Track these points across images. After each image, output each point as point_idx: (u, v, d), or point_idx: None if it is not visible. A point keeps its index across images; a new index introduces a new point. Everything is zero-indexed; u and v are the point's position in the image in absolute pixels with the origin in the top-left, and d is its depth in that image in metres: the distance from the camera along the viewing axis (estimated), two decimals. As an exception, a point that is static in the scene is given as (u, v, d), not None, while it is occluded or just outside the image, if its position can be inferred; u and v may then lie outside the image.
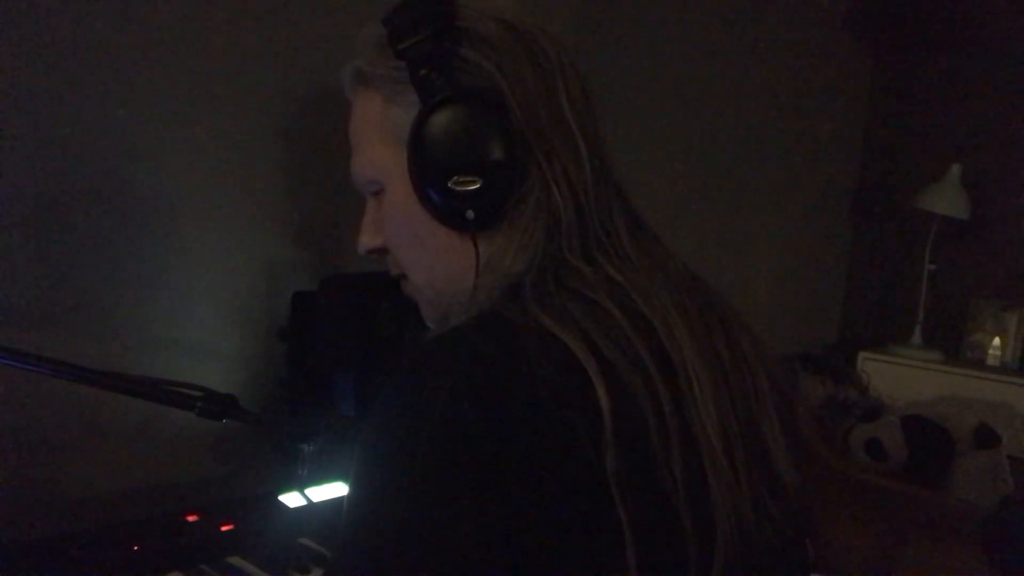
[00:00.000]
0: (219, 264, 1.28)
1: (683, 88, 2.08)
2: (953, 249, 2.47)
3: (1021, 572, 1.38)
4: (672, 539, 0.59)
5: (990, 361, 2.36)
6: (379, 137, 0.72)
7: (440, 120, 0.68)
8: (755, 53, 2.26)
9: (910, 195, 2.40)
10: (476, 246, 0.69)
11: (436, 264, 0.73)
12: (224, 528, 1.07)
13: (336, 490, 1.20)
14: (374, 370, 1.27)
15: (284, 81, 1.32)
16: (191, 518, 1.09)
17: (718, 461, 0.62)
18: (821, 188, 2.65)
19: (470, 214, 0.68)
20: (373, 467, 0.58)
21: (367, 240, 0.79)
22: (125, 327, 1.18)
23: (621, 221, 0.70)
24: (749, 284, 2.37)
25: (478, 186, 0.67)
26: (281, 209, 1.35)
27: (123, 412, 1.16)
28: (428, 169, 0.69)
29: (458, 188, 0.67)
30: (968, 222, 2.35)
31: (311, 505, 1.11)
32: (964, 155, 2.33)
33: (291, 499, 1.15)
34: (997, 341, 2.36)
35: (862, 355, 2.40)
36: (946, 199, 2.31)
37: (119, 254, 1.17)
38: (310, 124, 1.37)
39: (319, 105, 1.37)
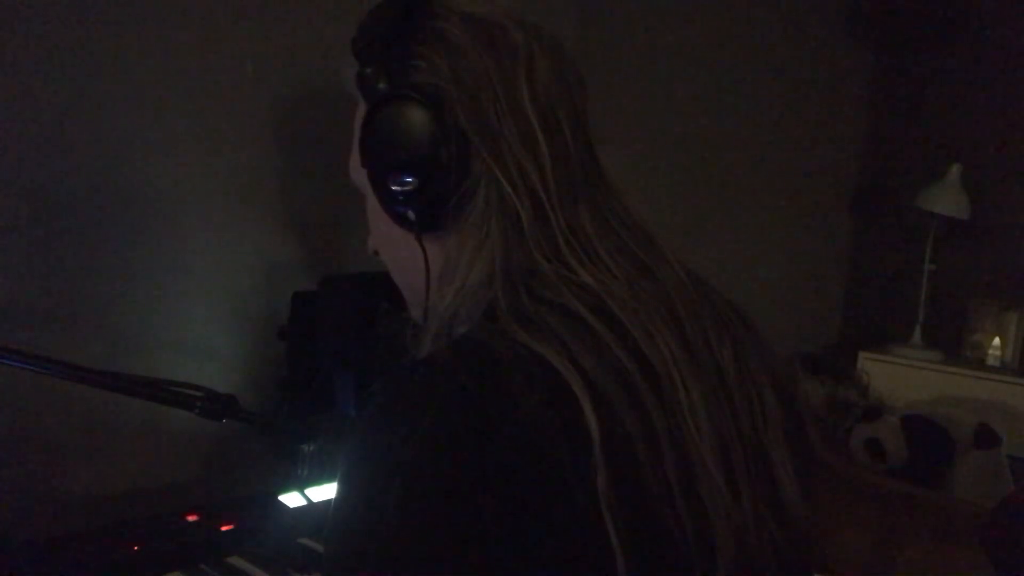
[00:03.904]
0: (219, 264, 1.28)
1: (683, 88, 2.08)
2: (953, 249, 2.47)
3: (1021, 572, 1.38)
4: (668, 562, 0.57)
5: (990, 361, 2.36)
6: (357, 139, 0.73)
7: (378, 120, 0.67)
8: (755, 53, 2.26)
9: (910, 195, 2.40)
10: (422, 246, 0.69)
11: (405, 264, 0.73)
12: (224, 528, 1.07)
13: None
14: (374, 370, 1.27)
15: (284, 81, 1.32)
16: (191, 518, 1.09)
17: (712, 481, 0.59)
18: (821, 188, 2.65)
19: (410, 214, 0.68)
20: (346, 516, 0.57)
21: (368, 241, 0.79)
22: (125, 327, 1.18)
23: (589, 221, 0.67)
24: (749, 284, 2.37)
25: (414, 186, 0.66)
26: (281, 209, 1.35)
27: (123, 412, 1.16)
28: (372, 170, 0.69)
29: (395, 188, 0.67)
30: (968, 222, 2.35)
31: (311, 505, 1.11)
32: (964, 155, 2.33)
33: (291, 499, 1.15)
34: (997, 341, 2.36)
35: (862, 355, 2.40)
36: (946, 199, 2.31)
37: (119, 254, 1.17)
38: (310, 124, 1.37)
39: (319, 105, 1.37)
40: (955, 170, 2.30)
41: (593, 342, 0.58)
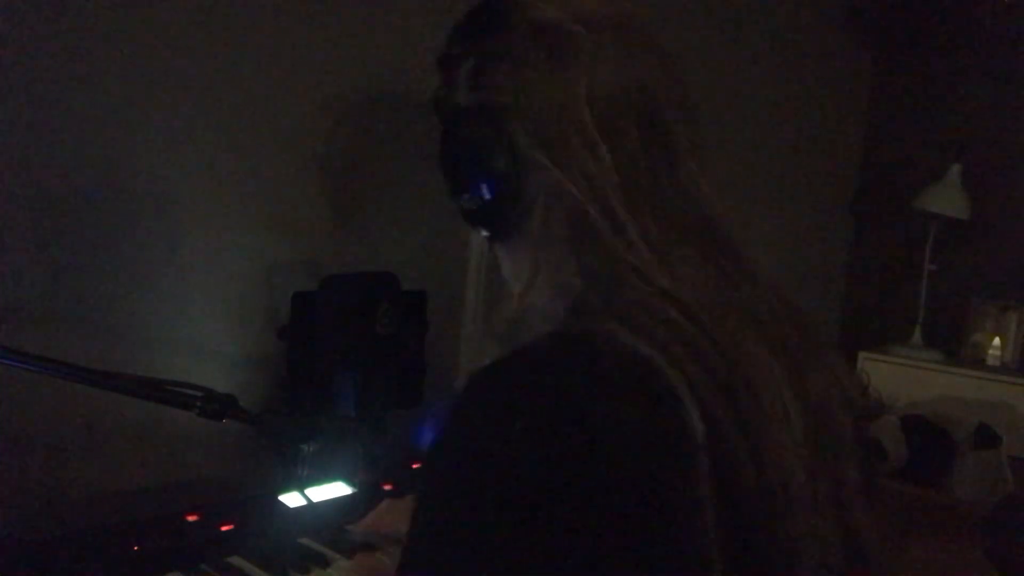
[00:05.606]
0: (219, 264, 1.28)
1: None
2: (953, 249, 2.47)
3: (1021, 571, 1.38)
4: (759, 574, 0.56)
5: (990, 361, 2.35)
6: None
7: (445, 140, 0.72)
8: (755, 53, 2.26)
9: (910, 195, 2.40)
10: (496, 256, 0.73)
11: (505, 269, 0.75)
12: (224, 528, 1.07)
13: (336, 490, 1.20)
14: (374, 370, 1.27)
15: (285, 81, 1.32)
16: (191, 518, 1.08)
17: (805, 496, 0.58)
18: (821, 188, 2.65)
19: (480, 228, 0.72)
20: (435, 514, 0.55)
21: None
22: (125, 327, 1.18)
23: (664, 227, 0.65)
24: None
25: (478, 203, 0.69)
26: (281, 209, 1.35)
27: (123, 412, 1.16)
28: (448, 187, 0.73)
29: (463, 204, 0.71)
30: (968, 222, 2.34)
31: (311, 505, 1.11)
32: (964, 155, 2.33)
33: (291, 499, 1.15)
34: (997, 341, 2.36)
35: (862, 355, 2.40)
36: (946, 199, 2.31)
37: (119, 254, 1.17)
38: (311, 124, 1.37)
39: (319, 105, 1.37)
40: (955, 170, 2.30)
41: (691, 346, 0.57)
